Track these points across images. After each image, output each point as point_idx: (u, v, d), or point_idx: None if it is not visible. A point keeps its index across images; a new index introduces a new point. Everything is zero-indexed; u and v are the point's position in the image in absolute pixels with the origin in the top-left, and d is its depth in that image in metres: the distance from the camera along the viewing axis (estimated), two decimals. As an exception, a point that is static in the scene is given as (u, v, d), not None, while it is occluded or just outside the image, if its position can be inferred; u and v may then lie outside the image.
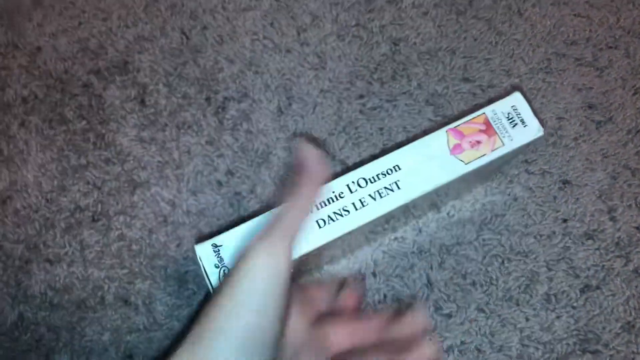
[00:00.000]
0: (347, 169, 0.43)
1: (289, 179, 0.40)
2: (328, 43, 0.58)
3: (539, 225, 0.52)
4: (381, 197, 0.40)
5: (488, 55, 0.58)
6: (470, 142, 0.41)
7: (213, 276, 0.37)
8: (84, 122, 0.55)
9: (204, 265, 0.38)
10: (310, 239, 0.38)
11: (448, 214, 0.52)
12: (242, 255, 0.31)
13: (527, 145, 0.42)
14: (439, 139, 0.41)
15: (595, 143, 0.55)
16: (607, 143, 0.55)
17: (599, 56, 0.58)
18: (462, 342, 0.48)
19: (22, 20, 0.58)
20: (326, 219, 0.39)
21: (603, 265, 0.51)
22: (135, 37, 0.58)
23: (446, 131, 0.41)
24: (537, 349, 0.48)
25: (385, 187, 0.40)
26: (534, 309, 0.49)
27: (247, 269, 0.31)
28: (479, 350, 0.48)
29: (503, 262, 0.50)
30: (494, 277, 0.50)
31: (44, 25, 0.58)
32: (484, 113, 0.42)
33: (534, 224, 0.52)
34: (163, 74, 0.57)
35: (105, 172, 0.53)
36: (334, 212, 0.39)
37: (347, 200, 0.40)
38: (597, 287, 0.50)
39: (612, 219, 0.52)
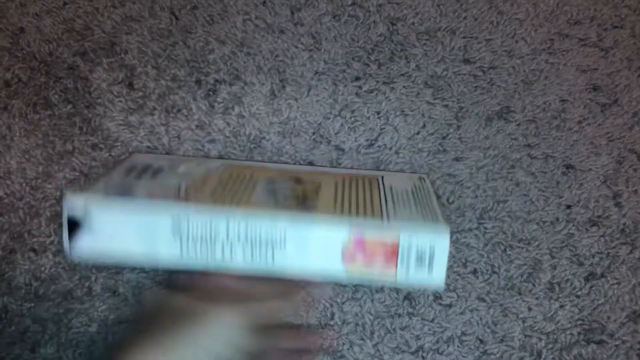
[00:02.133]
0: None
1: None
2: (323, 23, 0.56)
3: (541, 212, 0.50)
4: (251, 258, 0.37)
5: (489, 35, 0.56)
6: (366, 258, 0.37)
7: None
8: (69, 106, 0.53)
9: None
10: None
11: (448, 200, 0.50)
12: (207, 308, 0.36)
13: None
14: (340, 238, 0.37)
15: (600, 126, 0.53)
16: (613, 126, 0.53)
17: (603, 36, 0.56)
18: (463, 333, 0.46)
19: (4, 0, 0.56)
20: (190, 249, 0.37)
21: (608, 253, 0.49)
22: (123, 17, 0.56)
23: (351, 235, 0.37)
24: (540, 339, 0.46)
25: (260, 254, 0.37)
26: (537, 298, 0.48)
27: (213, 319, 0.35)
28: (480, 341, 0.46)
29: (505, 249, 0.49)
30: (496, 265, 0.48)
31: (27, 5, 0.56)
32: (398, 239, 0.37)
33: (536, 210, 0.50)
34: (152, 56, 0.55)
35: (92, 158, 0.51)
36: (200, 249, 0.37)
37: (218, 239, 0.37)
38: (602, 275, 0.48)
39: (618, 204, 0.50)
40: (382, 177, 0.47)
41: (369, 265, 0.37)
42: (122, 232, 0.37)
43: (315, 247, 0.37)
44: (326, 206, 0.39)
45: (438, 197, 0.43)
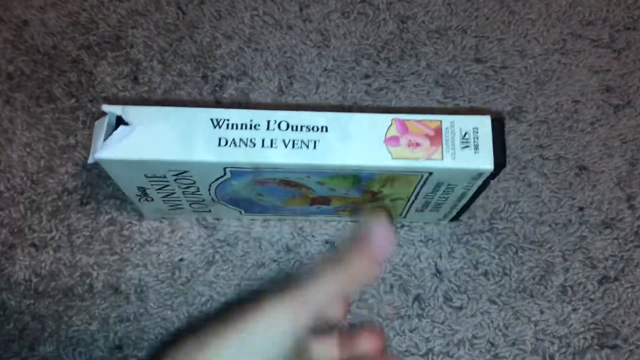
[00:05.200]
0: (279, 107, 0.40)
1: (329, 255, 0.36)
2: (332, 20, 0.55)
3: (554, 213, 0.49)
4: (293, 147, 0.36)
5: (501, 35, 0.55)
6: (410, 140, 0.36)
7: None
8: (73, 100, 0.52)
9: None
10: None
11: (458, 200, 0.49)
12: (260, 303, 0.30)
13: (469, 175, 0.37)
14: (381, 123, 0.37)
15: (613, 127, 0.52)
16: (626, 128, 0.52)
17: (616, 37, 0.55)
18: (474, 336, 0.45)
19: (8, -8, 0.55)
20: (230, 141, 0.36)
21: (622, 256, 0.48)
22: (129, 11, 0.55)
23: (392, 119, 0.37)
24: (553, 343, 0.45)
25: (302, 141, 0.36)
26: (549, 301, 0.46)
27: (263, 318, 0.30)
28: (491, 344, 0.45)
29: (516, 251, 0.48)
30: (507, 267, 0.47)
31: (32, -3, 0.55)
32: (440, 120, 0.37)
33: (548, 212, 0.49)
34: (157, 50, 0.54)
35: (95, 153, 0.50)
36: (240, 139, 0.36)
37: (258, 135, 0.36)
38: (616, 279, 0.47)
39: (631, 207, 0.49)
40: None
41: (413, 148, 0.36)
42: (159, 130, 0.36)
43: (357, 133, 0.36)
44: None
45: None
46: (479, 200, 0.49)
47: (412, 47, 0.54)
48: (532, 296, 0.47)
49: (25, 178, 0.49)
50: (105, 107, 0.36)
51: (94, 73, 0.53)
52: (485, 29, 0.55)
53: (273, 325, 0.30)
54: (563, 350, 0.45)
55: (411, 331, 0.45)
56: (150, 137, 0.36)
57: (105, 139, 0.36)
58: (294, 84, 0.53)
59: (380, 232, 0.32)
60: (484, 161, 0.36)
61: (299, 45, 0.54)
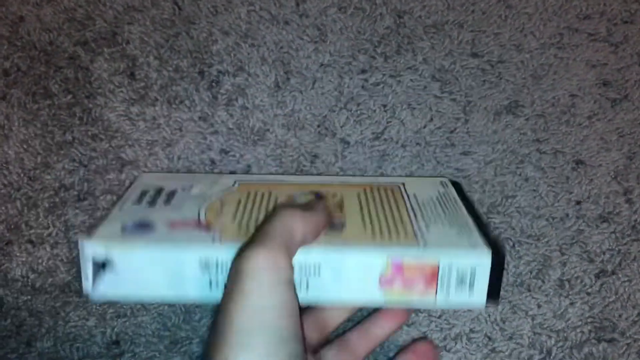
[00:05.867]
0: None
1: None
2: (329, 15, 0.55)
3: (551, 207, 0.49)
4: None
5: (497, 29, 0.55)
6: (405, 283, 0.35)
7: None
8: (69, 96, 0.52)
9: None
10: None
11: (455, 194, 0.49)
12: (238, 263, 0.31)
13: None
14: (376, 260, 0.35)
15: (611, 122, 0.52)
16: (623, 122, 0.52)
17: (613, 31, 0.55)
18: (471, 330, 0.45)
19: (4, -12, 0.55)
20: (220, 284, 0.35)
21: (619, 250, 0.48)
22: (125, 7, 0.55)
23: (389, 259, 0.35)
24: (550, 337, 0.45)
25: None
26: (547, 295, 0.46)
27: (250, 270, 0.30)
28: (489, 338, 0.45)
29: (514, 245, 0.48)
30: (504, 261, 0.47)
31: (28, -7, 0.55)
32: (438, 263, 0.35)
33: (545, 206, 0.49)
34: (154, 46, 0.54)
35: (91, 149, 0.50)
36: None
37: None
38: (613, 273, 0.47)
39: (628, 201, 0.49)
40: (404, 185, 0.45)
41: (407, 290, 0.35)
42: (147, 271, 0.35)
43: (351, 275, 0.35)
44: (355, 225, 0.38)
45: (469, 203, 0.41)
46: (476, 195, 0.49)
47: (409, 41, 0.54)
48: (529, 290, 0.47)
49: (22, 174, 0.49)
50: (86, 247, 0.35)
51: (91, 69, 0.53)
52: (481, 23, 0.55)
53: (262, 283, 0.30)
54: (560, 344, 0.45)
55: (408, 325, 0.45)
56: (140, 279, 0.35)
57: (93, 280, 0.35)
58: (290, 79, 0.53)
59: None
60: (477, 299, 0.35)
61: (295, 40, 0.54)
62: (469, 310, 0.46)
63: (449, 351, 0.45)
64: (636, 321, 0.46)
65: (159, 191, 0.43)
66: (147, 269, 0.35)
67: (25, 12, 0.54)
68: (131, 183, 0.42)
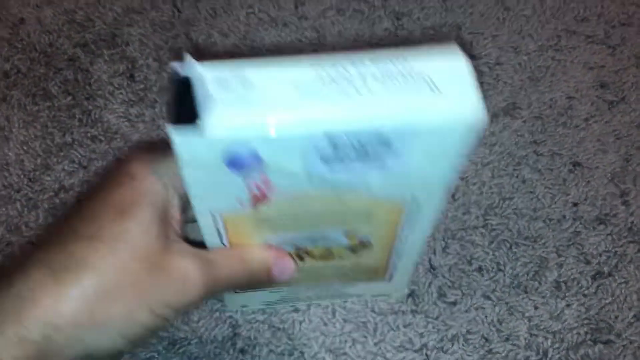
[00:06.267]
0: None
1: None
2: (327, 17, 0.55)
3: (548, 209, 0.49)
4: None
5: (495, 31, 0.55)
6: None
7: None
8: (69, 98, 0.52)
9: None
10: None
11: (453, 196, 0.49)
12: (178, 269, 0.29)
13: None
14: None
15: (608, 124, 0.52)
16: (620, 124, 0.52)
17: (611, 33, 0.55)
18: (468, 331, 0.46)
19: (5, -10, 0.55)
20: None
21: (615, 251, 0.48)
22: (125, 9, 0.55)
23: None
24: (547, 338, 0.45)
25: None
26: (543, 297, 0.47)
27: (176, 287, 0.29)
28: (485, 340, 0.45)
29: (511, 247, 0.48)
30: (501, 262, 0.47)
31: (28, -5, 0.55)
32: None
33: (543, 208, 0.49)
34: (153, 48, 0.54)
35: (91, 151, 0.51)
36: None
37: None
38: (609, 274, 0.47)
39: (625, 203, 0.50)
40: None
41: None
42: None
43: None
44: None
45: None
46: (473, 196, 0.49)
47: (407, 44, 0.54)
48: (526, 292, 0.47)
49: (22, 176, 0.50)
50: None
51: (90, 71, 0.53)
52: (479, 25, 0.55)
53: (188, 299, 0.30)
54: (557, 345, 0.45)
55: (405, 326, 0.46)
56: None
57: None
58: (289, 81, 0.53)
59: (288, 266, 0.35)
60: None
61: (294, 42, 0.54)
62: (466, 312, 0.46)
63: (445, 352, 0.45)
64: (632, 323, 0.46)
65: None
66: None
67: (26, 14, 0.55)
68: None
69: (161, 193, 0.29)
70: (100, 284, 0.27)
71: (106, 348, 0.28)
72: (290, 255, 0.36)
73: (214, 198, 0.30)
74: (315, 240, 0.35)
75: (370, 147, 0.26)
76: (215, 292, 0.32)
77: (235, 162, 0.26)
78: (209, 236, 0.32)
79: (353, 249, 0.36)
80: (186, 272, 0.30)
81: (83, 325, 0.27)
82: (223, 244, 0.33)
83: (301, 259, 0.36)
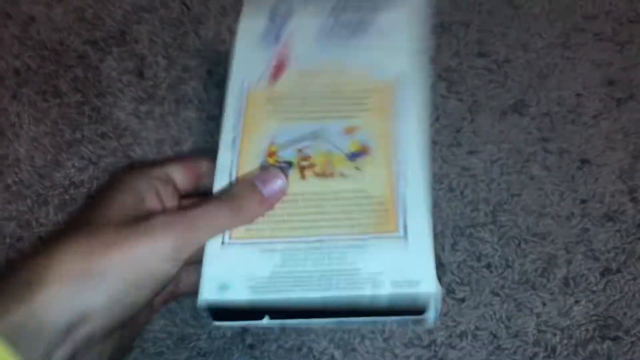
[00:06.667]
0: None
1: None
2: (336, 15, 0.55)
3: (556, 206, 0.49)
4: None
5: (504, 29, 0.55)
6: None
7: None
8: (79, 95, 0.53)
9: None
10: None
11: (461, 193, 0.49)
12: (149, 226, 0.32)
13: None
14: None
15: (616, 121, 0.52)
16: (629, 121, 0.52)
17: (619, 31, 0.55)
18: (477, 327, 0.46)
19: (15, -12, 0.56)
20: None
21: (624, 248, 0.48)
22: (134, 6, 0.56)
23: None
24: (555, 334, 0.46)
25: None
26: (552, 293, 0.47)
27: (146, 246, 0.31)
28: (494, 336, 0.45)
29: (519, 244, 0.48)
30: (510, 259, 0.48)
31: (38, -7, 0.56)
32: None
33: (551, 205, 0.49)
34: (162, 46, 0.54)
35: (101, 147, 0.51)
36: None
37: None
38: (618, 271, 0.47)
39: (633, 199, 0.50)
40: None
41: None
42: None
43: None
44: None
45: None
46: (482, 193, 0.50)
47: (415, 41, 0.55)
48: (534, 288, 0.47)
49: (32, 172, 0.50)
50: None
51: (100, 68, 0.53)
52: (488, 23, 0.55)
53: (158, 247, 0.31)
54: (565, 341, 0.45)
55: (414, 323, 0.46)
56: None
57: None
58: (297, 78, 0.53)
59: (272, 173, 0.35)
60: None
61: (302, 40, 0.54)
62: (475, 308, 0.46)
63: (454, 348, 0.45)
64: (641, 319, 0.46)
65: None
66: None
67: (36, 12, 0.55)
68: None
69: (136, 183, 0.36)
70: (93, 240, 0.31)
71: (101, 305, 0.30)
72: (293, 164, 0.38)
73: (247, 70, 0.40)
74: (317, 137, 0.38)
75: None
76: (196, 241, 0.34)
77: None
78: (229, 123, 0.39)
79: (354, 158, 0.38)
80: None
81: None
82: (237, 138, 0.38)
83: (302, 174, 0.37)
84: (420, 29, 0.42)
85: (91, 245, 0.30)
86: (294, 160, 0.38)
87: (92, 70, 0.53)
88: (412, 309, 0.34)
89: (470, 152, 0.51)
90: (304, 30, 0.41)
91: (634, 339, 0.46)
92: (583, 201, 0.50)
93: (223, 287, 0.33)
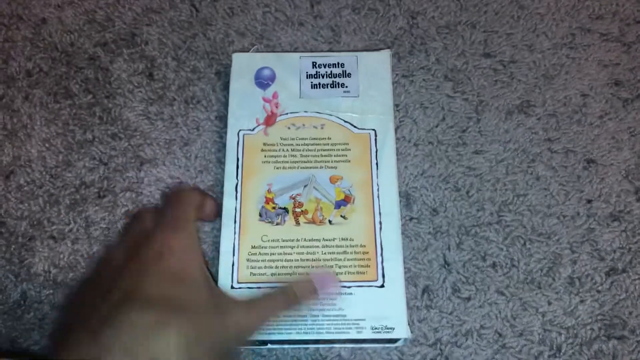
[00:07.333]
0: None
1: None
2: (343, 16, 0.56)
3: (562, 206, 0.50)
4: None
5: (510, 29, 0.55)
6: None
7: None
8: (89, 96, 0.53)
9: None
10: None
11: (467, 193, 0.50)
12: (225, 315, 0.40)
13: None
14: None
15: (622, 121, 0.52)
16: (635, 121, 0.52)
17: (626, 31, 0.55)
18: (482, 326, 0.46)
19: (27, -9, 0.57)
20: None
21: (630, 248, 0.48)
22: (144, 9, 0.56)
23: None
24: (560, 333, 0.46)
25: None
26: (557, 293, 0.47)
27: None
28: (499, 335, 0.46)
29: (524, 243, 0.48)
30: (515, 259, 0.48)
31: (50, -4, 0.56)
32: None
33: (557, 205, 0.50)
34: (172, 47, 0.55)
35: (111, 148, 0.52)
36: None
37: None
38: (624, 271, 0.48)
39: (639, 199, 0.50)
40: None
41: None
42: None
43: None
44: None
45: None
46: (488, 193, 0.50)
47: (422, 42, 0.55)
48: (539, 287, 0.47)
49: (44, 172, 0.51)
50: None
51: (110, 70, 0.54)
52: (494, 23, 0.55)
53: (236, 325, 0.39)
54: (570, 340, 0.46)
55: (420, 321, 0.46)
56: None
57: None
58: (305, 79, 0.54)
59: (325, 273, 0.43)
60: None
61: (310, 41, 0.55)
62: (480, 307, 0.47)
63: (459, 347, 0.45)
64: (646, 319, 0.46)
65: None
66: None
67: (47, 14, 0.56)
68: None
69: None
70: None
71: None
72: (288, 210, 0.46)
73: (241, 117, 0.48)
74: (308, 185, 0.46)
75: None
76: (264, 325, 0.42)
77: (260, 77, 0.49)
78: (231, 172, 0.47)
79: (340, 206, 0.46)
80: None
81: None
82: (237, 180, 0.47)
83: (297, 221, 0.45)
84: (388, 82, 0.51)
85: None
86: (289, 207, 0.46)
87: (102, 72, 0.54)
88: (387, 341, 0.44)
89: (476, 152, 0.51)
90: (287, 90, 0.49)
91: (639, 338, 0.46)
92: (589, 201, 0.50)
93: None
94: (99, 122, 0.52)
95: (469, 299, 0.47)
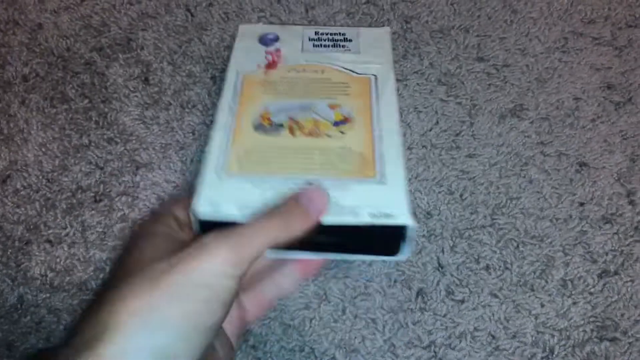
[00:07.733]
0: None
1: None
2: (337, 21, 0.56)
3: (554, 209, 0.50)
4: None
5: (503, 34, 0.56)
6: None
7: None
8: (86, 101, 0.54)
9: None
10: None
11: (461, 196, 0.50)
12: (201, 244, 0.31)
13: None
14: None
15: (614, 124, 0.53)
16: (627, 124, 0.53)
17: (618, 35, 0.56)
18: (475, 329, 0.46)
19: (23, -3, 0.57)
20: None
21: (622, 250, 0.49)
22: (139, 14, 0.57)
23: None
24: (553, 335, 0.46)
25: None
26: (550, 295, 0.47)
27: (202, 261, 0.30)
28: (492, 337, 0.46)
29: (518, 246, 0.49)
30: (508, 261, 0.48)
31: (46, 1, 0.57)
32: None
33: (549, 207, 0.50)
34: (167, 52, 0.55)
35: (107, 152, 0.52)
36: None
37: None
38: (616, 273, 0.48)
39: (631, 202, 0.50)
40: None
41: None
42: None
43: None
44: None
45: None
46: (481, 196, 0.50)
47: (416, 46, 0.55)
48: (532, 290, 0.48)
49: (40, 177, 0.51)
50: None
51: (106, 74, 0.54)
52: (487, 28, 0.56)
53: (215, 262, 0.30)
54: (563, 342, 0.46)
55: (414, 324, 0.47)
56: None
57: None
58: (299, 83, 0.54)
59: (316, 191, 0.36)
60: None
61: (304, 45, 0.55)
62: (474, 309, 0.47)
63: (453, 349, 0.46)
64: (638, 321, 0.47)
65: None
66: None
67: (43, 19, 0.56)
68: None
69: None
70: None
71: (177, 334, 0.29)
72: (284, 126, 0.41)
73: (243, 63, 0.46)
74: (306, 109, 0.43)
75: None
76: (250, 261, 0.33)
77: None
78: (227, 98, 0.43)
79: (338, 124, 0.42)
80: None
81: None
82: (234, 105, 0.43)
83: (293, 133, 0.41)
84: (388, 48, 0.48)
85: (149, 278, 0.30)
86: (285, 123, 0.42)
87: (98, 77, 0.54)
88: (389, 243, 0.38)
89: (470, 156, 0.52)
90: (290, 46, 0.47)
91: (631, 340, 0.46)
92: (581, 204, 0.50)
93: (216, 205, 0.36)
94: (95, 127, 0.53)
95: (462, 301, 0.47)
